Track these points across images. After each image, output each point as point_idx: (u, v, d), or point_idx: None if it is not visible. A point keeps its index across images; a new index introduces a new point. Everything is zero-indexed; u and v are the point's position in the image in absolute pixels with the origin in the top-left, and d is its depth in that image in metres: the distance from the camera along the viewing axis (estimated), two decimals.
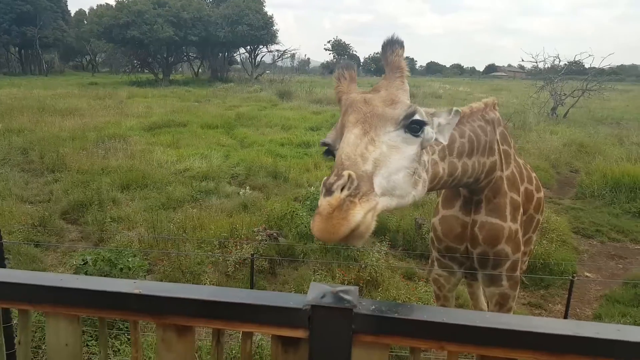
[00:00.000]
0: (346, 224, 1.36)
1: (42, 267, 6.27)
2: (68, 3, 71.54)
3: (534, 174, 3.38)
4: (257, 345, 4.25)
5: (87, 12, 70.18)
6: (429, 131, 1.87)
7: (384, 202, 1.63)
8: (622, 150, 14.35)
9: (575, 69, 28.75)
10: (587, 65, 28.47)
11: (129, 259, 5.20)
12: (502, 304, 3.11)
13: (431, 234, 3.25)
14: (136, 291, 1.39)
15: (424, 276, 6.10)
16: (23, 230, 7.27)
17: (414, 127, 1.76)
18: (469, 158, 2.55)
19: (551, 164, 12.64)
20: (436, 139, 1.95)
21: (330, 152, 1.83)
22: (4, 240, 6.54)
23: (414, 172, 1.79)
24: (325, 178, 1.47)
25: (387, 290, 5.40)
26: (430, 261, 3.43)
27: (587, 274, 6.90)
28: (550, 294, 6.24)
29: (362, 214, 1.39)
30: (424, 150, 1.92)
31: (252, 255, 4.80)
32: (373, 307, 1.30)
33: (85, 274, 4.90)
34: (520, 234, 2.99)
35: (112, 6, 52.42)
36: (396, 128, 1.74)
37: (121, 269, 5.03)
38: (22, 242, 6.71)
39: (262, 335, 4.20)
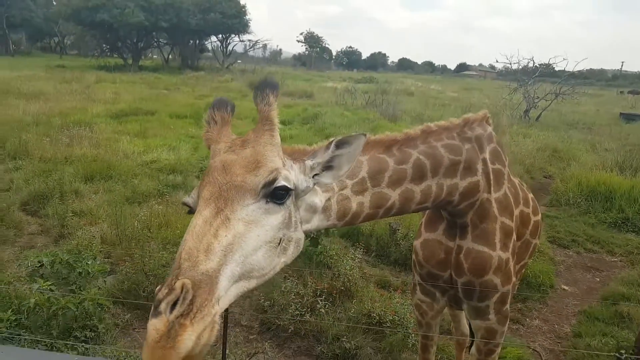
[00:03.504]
0: (175, 354, 1.19)
1: None
2: None
3: (530, 195, 3.10)
4: None
5: None
6: (301, 181, 1.71)
7: (238, 289, 1.47)
8: (595, 157, 14.38)
9: (546, 72, 29.23)
10: (557, 69, 29.02)
11: (89, 262, 4.86)
12: (488, 340, 2.85)
13: (413, 257, 2.97)
14: None
15: (399, 286, 5.97)
16: None
17: (278, 193, 1.57)
18: (417, 183, 2.21)
19: (525, 169, 12.54)
20: (317, 182, 1.77)
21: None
22: None
23: (280, 242, 1.60)
24: (157, 288, 1.28)
25: (361, 302, 5.20)
26: (412, 285, 3.16)
27: (565, 287, 6.77)
28: (528, 308, 6.06)
29: (193, 338, 1.21)
30: (303, 199, 1.77)
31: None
32: None
33: (41, 277, 4.56)
34: (511, 264, 2.71)
35: None
36: (256, 200, 1.53)
37: (80, 273, 4.70)
38: None
39: None
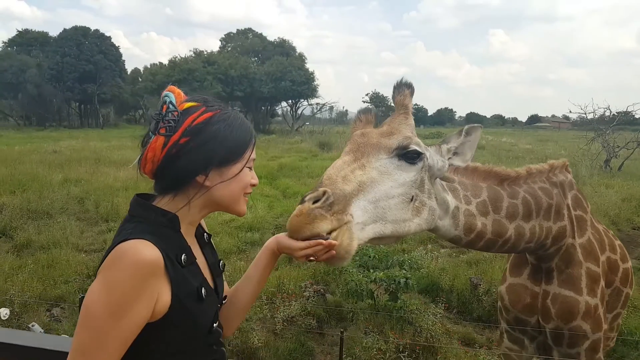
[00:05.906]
0: (309, 228, 1.51)
1: None
2: (125, 62, 76.52)
3: (617, 242, 3.05)
4: None
5: (142, 71, 74.91)
6: (437, 160, 1.97)
7: (374, 229, 1.72)
8: None
9: (625, 119, 27.77)
10: (637, 116, 27.47)
11: None
12: None
13: (499, 303, 2.99)
14: None
15: (484, 343, 5.74)
16: (78, 280, 7.40)
17: (410, 155, 1.84)
18: (526, 221, 2.36)
19: (611, 221, 11.79)
20: (451, 164, 2.06)
21: None
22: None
23: (413, 199, 1.84)
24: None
25: (445, 358, 5.07)
26: (499, 333, 3.13)
27: None
28: None
29: (325, 226, 1.53)
30: (439, 185, 2.04)
31: (342, 332, 4.61)
32: None
33: None
34: (601, 310, 2.66)
35: (165, 65, 55.89)
36: (389, 156, 1.82)
37: None
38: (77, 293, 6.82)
39: None
